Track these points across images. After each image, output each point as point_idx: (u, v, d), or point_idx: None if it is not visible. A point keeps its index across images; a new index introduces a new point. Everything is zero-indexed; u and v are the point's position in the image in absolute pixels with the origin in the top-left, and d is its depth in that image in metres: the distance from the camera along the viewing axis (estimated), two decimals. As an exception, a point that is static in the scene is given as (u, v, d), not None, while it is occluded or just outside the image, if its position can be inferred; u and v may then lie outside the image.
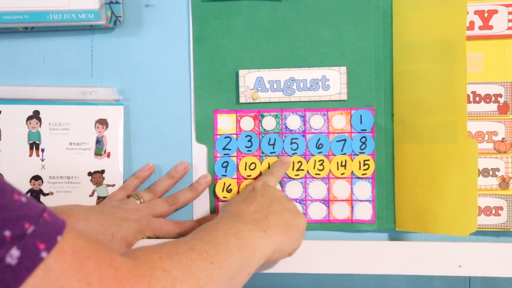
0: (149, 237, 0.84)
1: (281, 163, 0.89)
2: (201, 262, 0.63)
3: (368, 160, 0.90)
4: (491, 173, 0.88)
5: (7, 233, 0.48)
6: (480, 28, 0.86)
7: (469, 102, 0.87)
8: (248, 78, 0.90)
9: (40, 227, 0.51)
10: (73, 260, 0.52)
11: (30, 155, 0.92)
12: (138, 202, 0.88)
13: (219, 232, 0.70)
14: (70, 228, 0.53)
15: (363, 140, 0.90)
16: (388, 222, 0.90)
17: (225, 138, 0.92)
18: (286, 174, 0.91)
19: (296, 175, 0.91)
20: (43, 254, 0.50)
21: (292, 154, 0.91)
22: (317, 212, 0.90)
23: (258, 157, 0.92)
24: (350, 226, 0.90)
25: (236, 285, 0.68)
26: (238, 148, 0.92)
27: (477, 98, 0.87)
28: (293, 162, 0.91)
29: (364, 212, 0.90)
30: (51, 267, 0.50)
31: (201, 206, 0.92)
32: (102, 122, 0.92)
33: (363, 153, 0.90)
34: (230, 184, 0.91)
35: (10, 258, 0.48)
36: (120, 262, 0.55)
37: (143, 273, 0.56)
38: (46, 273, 0.50)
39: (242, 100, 0.91)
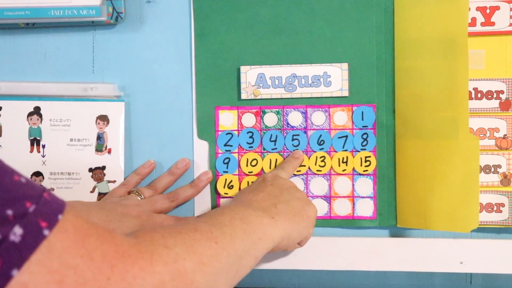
0: (150, 233, 0.84)
1: (292, 158, 0.90)
2: (205, 241, 0.63)
3: (370, 156, 0.90)
4: (492, 169, 0.88)
5: (10, 212, 0.49)
6: (482, 24, 0.86)
7: (470, 98, 0.87)
8: (249, 74, 0.90)
9: (41, 206, 0.51)
10: (75, 238, 0.52)
11: (31, 151, 0.92)
12: (139, 198, 0.88)
13: (224, 216, 0.70)
14: (70, 207, 0.54)
15: (365, 136, 0.90)
16: (389, 219, 0.90)
17: (226, 134, 0.92)
18: (288, 170, 0.91)
19: (297, 172, 0.90)
20: (46, 232, 0.50)
21: (294, 150, 0.91)
22: (318, 208, 0.90)
23: (259, 153, 0.91)
24: (351, 223, 0.90)
25: (242, 268, 0.68)
26: (239, 145, 0.92)
27: (479, 95, 0.87)
28: (295, 159, 0.91)
29: (366, 208, 0.90)
30: (53, 245, 0.50)
31: (202, 203, 0.92)
32: (103, 118, 0.92)
33: (365, 149, 0.90)
34: (231, 181, 0.91)
35: (14, 235, 0.48)
36: (121, 240, 0.56)
37: (144, 249, 0.57)
38: (49, 250, 0.50)
39: (243, 96, 0.91)
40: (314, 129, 0.91)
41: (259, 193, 0.80)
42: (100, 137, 0.92)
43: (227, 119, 0.92)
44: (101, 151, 0.92)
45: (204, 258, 0.61)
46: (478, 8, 0.86)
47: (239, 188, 0.91)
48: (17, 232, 0.49)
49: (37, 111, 0.92)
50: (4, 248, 0.48)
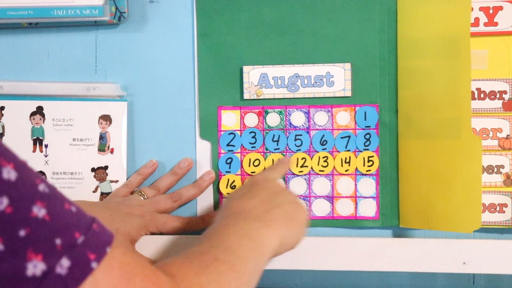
0: (152, 233, 0.84)
1: (280, 163, 0.89)
2: (228, 273, 0.63)
3: (372, 156, 0.90)
4: (495, 170, 0.88)
5: (58, 241, 0.48)
6: (485, 24, 0.86)
7: (473, 98, 0.87)
8: (252, 74, 0.90)
9: (90, 237, 0.50)
10: (121, 277, 0.51)
11: (34, 151, 0.92)
12: (142, 199, 0.88)
13: (231, 236, 0.69)
14: (118, 243, 0.53)
15: (367, 136, 0.90)
16: (392, 219, 0.90)
17: (229, 134, 0.92)
18: (290, 170, 0.91)
19: (300, 172, 0.90)
20: (93, 265, 0.49)
21: (296, 150, 0.91)
22: (321, 208, 0.90)
23: (262, 153, 0.91)
24: (354, 223, 0.90)
25: (252, 286, 0.68)
26: (242, 145, 0.92)
27: (482, 95, 0.87)
28: (297, 159, 0.91)
29: (368, 208, 0.90)
30: (99, 281, 0.49)
31: (205, 203, 0.92)
32: (106, 118, 0.92)
33: (367, 149, 0.90)
34: (234, 181, 0.91)
35: (60, 268, 0.47)
36: (165, 281, 0.55)
37: None
38: (93, 286, 0.49)
39: (246, 96, 0.91)
40: (317, 129, 0.91)
41: (251, 199, 0.77)
42: (102, 137, 0.92)
43: (229, 119, 0.92)
44: (103, 151, 0.92)
45: None
46: (481, 8, 0.86)
47: (242, 188, 0.91)
48: (64, 264, 0.48)
49: (39, 110, 0.92)
50: (50, 281, 0.47)
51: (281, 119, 0.91)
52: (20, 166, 0.48)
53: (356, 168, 0.90)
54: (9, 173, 0.47)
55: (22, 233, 0.46)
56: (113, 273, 0.51)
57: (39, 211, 0.48)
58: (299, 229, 0.77)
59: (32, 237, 0.47)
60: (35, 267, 0.46)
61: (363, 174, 0.90)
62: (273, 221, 0.74)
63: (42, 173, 0.92)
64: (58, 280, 0.47)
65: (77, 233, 0.49)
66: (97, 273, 0.49)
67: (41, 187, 0.49)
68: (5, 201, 0.46)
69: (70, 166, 0.92)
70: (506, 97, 0.87)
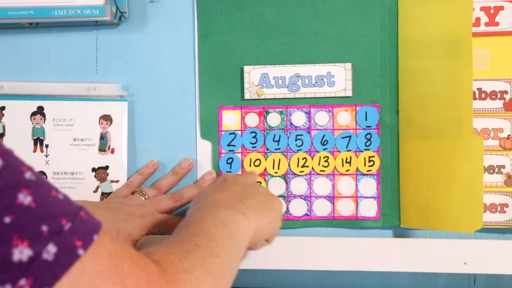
0: (154, 233, 0.84)
1: (248, 173, 0.90)
2: (211, 258, 0.63)
3: (373, 156, 0.90)
4: (496, 170, 0.88)
5: (45, 228, 0.48)
6: (486, 24, 0.86)
7: (474, 98, 0.87)
8: (253, 74, 0.90)
9: (77, 225, 0.50)
10: (109, 262, 0.51)
11: (34, 151, 0.92)
12: (143, 199, 0.88)
13: (207, 224, 0.68)
14: (106, 230, 0.53)
15: (368, 136, 0.90)
16: (393, 219, 0.90)
17: (229, 134, 0.92)
18: (291, 170, 0.91)
19: (301, 172, 0.90)
20: (80, 251, 0.49)
21: (297, 150, 0.91)
22: (321, 208, 0.90)
23: (263, 153, 0.91)
24: (354, 223, 0.90)
25: (234, 273, 0.67)
26: (243, 145, 0.92)
27: (483, 95, 0.87)
28: (298, 159, 0.91)
29: (369, 208, 0.90)
30: (86, 267, 0.49)
31: (205, 202, 0.91)
32: (106, 118, 0.92)
33: (368, 149, 0.90)
34: (234, 181, 0.91)
35: (47, 254, 0.48)
36: (152, 268, 0.56)
37: (171, 278, 0.56)
38: (81, 272, 0.49)
39: (247, 96, 0.91)
40: (318, 129, 0.91)
41: (223, 192, 0.77)
42: (103, 137, 0.92)
43: (230, 119, 0.92)
44: (104, 151, 0.92)
45: (216, 277, 0.61)
46: (482, 8, 0.86)
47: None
48: (50, 250, 0.48)
49: (40, 110, 0.92)
50: (36, 267, 0.47)
51: (282, 119, 0.91)
52: (6, 154, 0.48)
53: (357, 168, 0.90)
54: None
55: (7, 220, 0.46)
56: (101, 260, 0.51)
57: (24, 198, 0.48)
58: (273, 217, 0.77)
59: (17, 224, 0.47)
60: (21, 253, 0.47)
61: (364, 174, 0.90)
62: (246, 210, 0.74)
63: (42, 173, 0.91)
64: (45, 265, 0.47)
65: (64, 220, 0.49)
66: (85, 260, 0.50)
67: (27, 175, 0.49)
68: None
69: (70, 166, 0.92)
70: (507, 97, 0.87)
